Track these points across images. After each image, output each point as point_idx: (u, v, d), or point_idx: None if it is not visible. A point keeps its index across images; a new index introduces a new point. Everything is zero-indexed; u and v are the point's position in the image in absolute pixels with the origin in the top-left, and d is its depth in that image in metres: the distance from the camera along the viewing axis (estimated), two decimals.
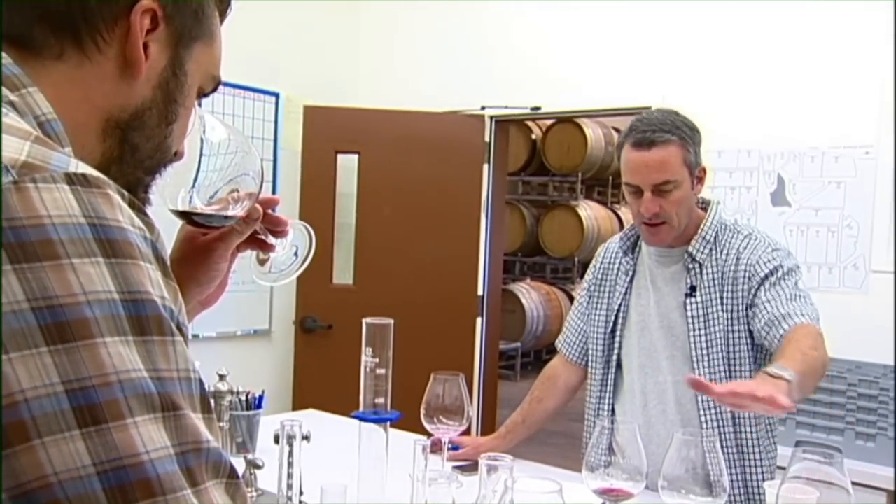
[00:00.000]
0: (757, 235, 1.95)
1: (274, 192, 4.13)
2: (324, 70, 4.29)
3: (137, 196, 0.73)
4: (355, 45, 4.48)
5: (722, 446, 1.87)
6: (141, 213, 0.58)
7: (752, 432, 1.91)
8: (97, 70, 0.67)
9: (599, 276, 2.14)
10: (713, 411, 1.90)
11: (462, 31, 4.15)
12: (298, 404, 3.58)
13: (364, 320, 1.42)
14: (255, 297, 4.09)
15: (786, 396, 1.62)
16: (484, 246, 4.12)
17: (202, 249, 0.92)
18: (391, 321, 1.41)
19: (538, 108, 3.88)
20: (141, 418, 0.50)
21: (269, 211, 0.94)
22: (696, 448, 1.34)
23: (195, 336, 3.82)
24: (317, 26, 4.28)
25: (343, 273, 4.07)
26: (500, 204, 4.34)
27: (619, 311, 2.05)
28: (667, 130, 1.85)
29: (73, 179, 0.53)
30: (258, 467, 1.43)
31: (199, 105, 0.80)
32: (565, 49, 3.81)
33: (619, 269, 2.09)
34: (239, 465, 1.58)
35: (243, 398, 1.72)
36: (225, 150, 0.87)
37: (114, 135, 0.69)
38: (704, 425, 1.90)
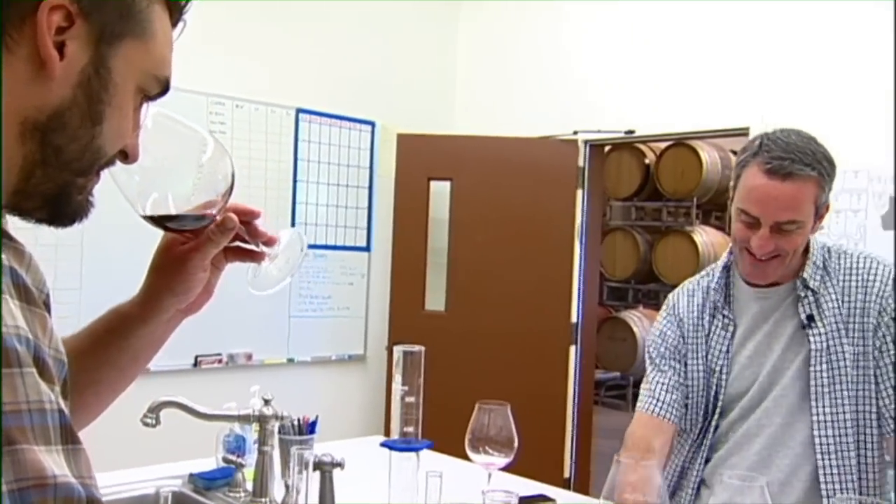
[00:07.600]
0: (871, 255, 1.74)
1: (370, 218, 4.20)
2: (418, 98, 4.35)
3: (72, 199, 0.71)
4: (451, 73, 4.52)
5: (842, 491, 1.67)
6: (4, 237, 0.56)
7: (876, 481, 1.70)
8: (9, 70, 0.64)
9: (691, 334, 1.82)
10: (835, 455, 1.66)
11: (555, 56, 4.12)
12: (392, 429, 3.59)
13: (395, 348, 1.40)
14: (351, 323, 4.16)
15: None
16: (578, 272, 4.04)
17: (178, 259, 0.91)
18: (422, 348, 1.39)
19: (632, 132, 3.79)
20: None
21: (256, 223, 0.92)
22: (741, 495, 1.24)
23: (290, 360, 3.91)
24: (412, 56, 4.35)
25: (435, 299, 4.08)
26: (595, 230, 4.26)
27: (721, 368, 1.78)
28: (807, 163, 1.57)
29: None
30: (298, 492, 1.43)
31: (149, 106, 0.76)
32: (658, 71, 3.71)
33: (713, 323, 1.80)
34: (281, 488, 1.59)
35: (295, 423, 1.75)
36: (197, 152, 0.86)
37: (33, 137, 0.66)
38: (823, 470, 1.67)
